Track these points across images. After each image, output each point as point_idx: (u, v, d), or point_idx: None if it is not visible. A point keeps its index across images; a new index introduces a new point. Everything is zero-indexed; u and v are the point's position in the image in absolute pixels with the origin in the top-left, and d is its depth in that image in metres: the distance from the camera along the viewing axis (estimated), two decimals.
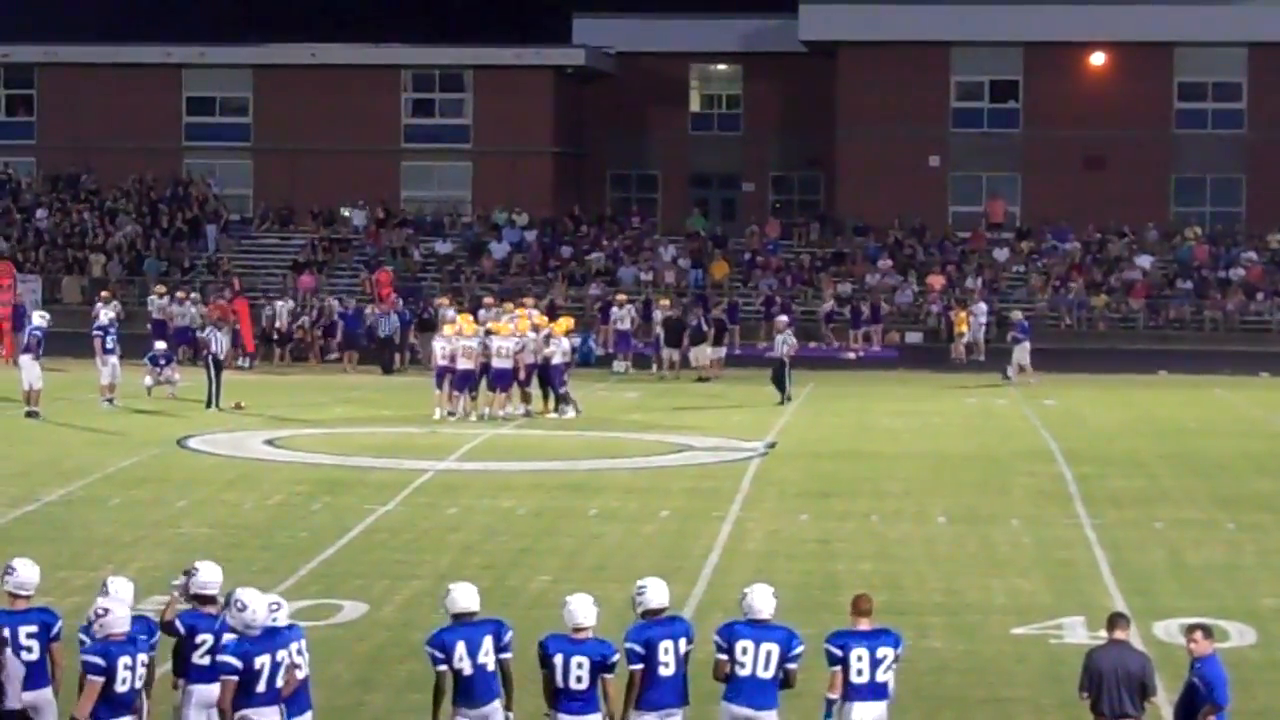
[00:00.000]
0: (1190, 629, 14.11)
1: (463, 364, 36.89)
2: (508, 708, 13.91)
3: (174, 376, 40.65)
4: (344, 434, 35.24)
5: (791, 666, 13.87)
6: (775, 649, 13.80)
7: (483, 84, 69.34)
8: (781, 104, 70.80)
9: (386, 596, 21.09)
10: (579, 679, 13.56)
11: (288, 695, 13.45)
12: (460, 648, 13.73)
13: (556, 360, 37.59)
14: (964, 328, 53.56)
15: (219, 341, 39.22)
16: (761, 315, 57.04)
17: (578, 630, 13.70)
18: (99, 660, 13.21)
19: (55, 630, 13.94)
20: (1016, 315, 49.36)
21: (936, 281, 60.98)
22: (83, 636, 13.84)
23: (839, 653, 13.86)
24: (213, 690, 13.80)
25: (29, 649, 13.80)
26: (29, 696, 13.79)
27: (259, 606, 13.46)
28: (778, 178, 72.43)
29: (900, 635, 14.18)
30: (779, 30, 68.97)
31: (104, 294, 45.65)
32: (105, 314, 40.52)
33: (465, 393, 37.13)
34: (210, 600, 14.20)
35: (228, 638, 13.53)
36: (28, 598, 14.10)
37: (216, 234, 65.93)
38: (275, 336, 50.31)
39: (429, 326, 47.31)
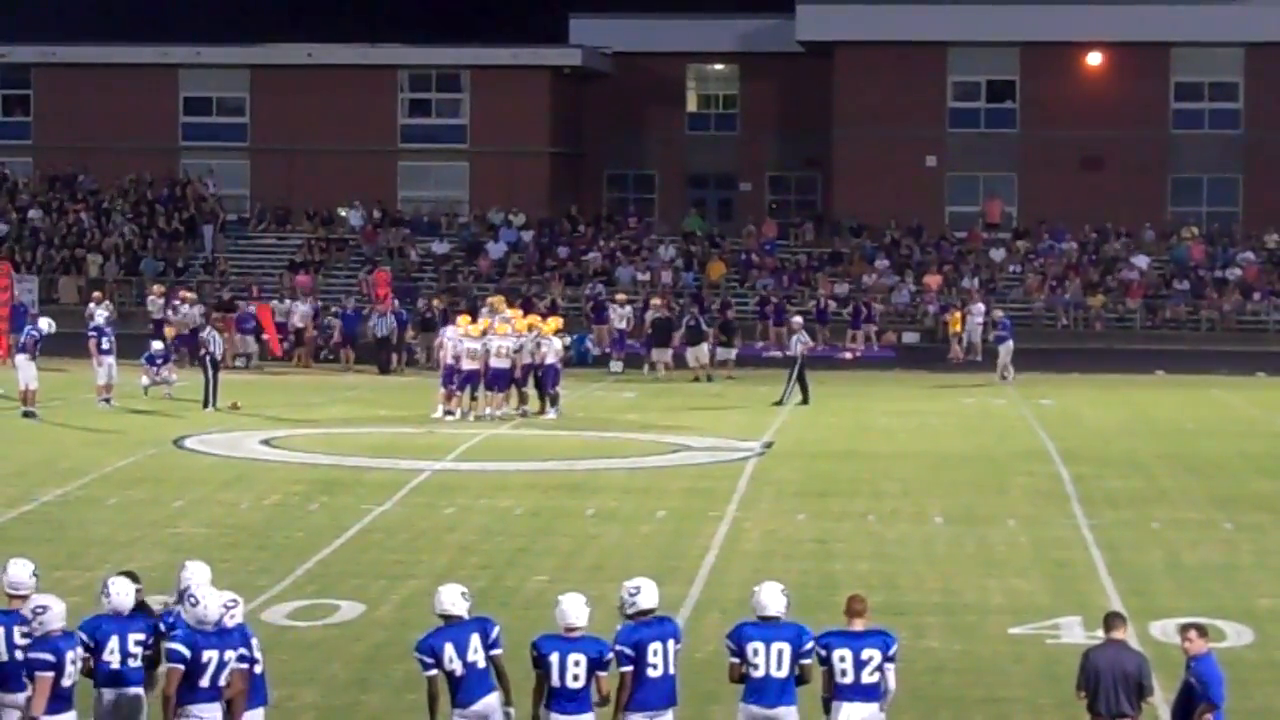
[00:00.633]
0: (1185, 628, 14.12)
1: (466, 364, 36.90)
2: (507, 704, 13.92)
3: (170, 377, 40.63)
4: (341, 434, 35.22)
5: (805, 662, 13.86)
6: (786, 647, 13.79)
7: (479, 84, 69.35)
8: (778, 104, 70.81)
9: (383, 596, 21.08)
10: (575, 677, 13.56)
11: (232, 696, 13.45)
12: (449, 649, 13.77)
13: (549, 360, 37.57)
14: (958, 327, 53.55)
15: (216, 342, 39.24)
16: (757, 315, 57.03)
17: (570, 630, 13.70)
18: (48, 657, 13.29)
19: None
20: (998, 314, 49.35)
21: (933, 282, 60.99)
22: (81, 635, 13.87)
23: (823, 652, 13.87)
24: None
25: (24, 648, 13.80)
26: (19, 698, 13.79)
27: (214, 603, 13.49)
28: (774, 178, 72.45)
29: (893, 637, 14.11)
30: (776, 30, 68.98)
31: (97, 294, 45.64)
32: (100, 314, 40.54)
33: (465, 393, 37.13)
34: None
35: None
36: (24, 597, 14.10)
37: (213, 234, 65.90)
38: (292, 338, 50.15)
39: (430, 327, 47.32)
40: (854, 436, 35.51)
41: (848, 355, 53.53)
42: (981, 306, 54.99)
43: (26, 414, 36.00)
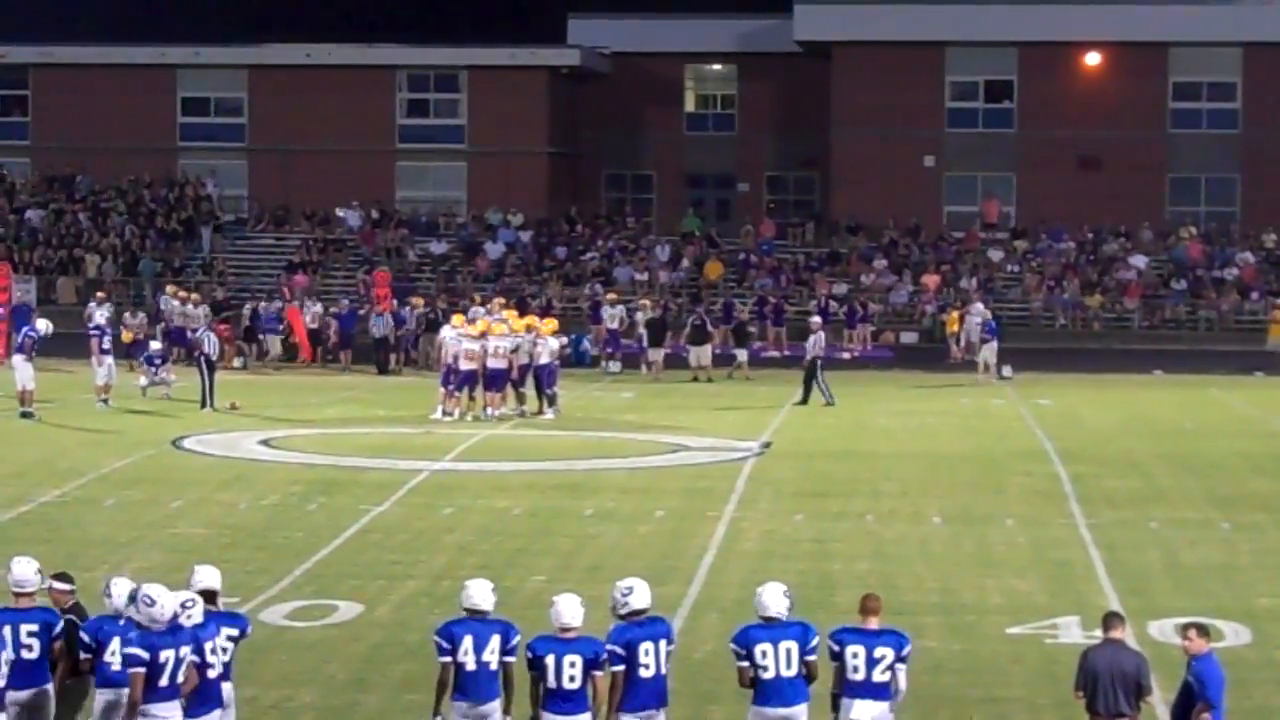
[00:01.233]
0: (1185, 627, 14.13)
1: (465, 365, 36.90)
2: (506, 711, 13.92)
3: (169, 377, 40.62)
4: (339, 434, 35.22)
5: (811, 659, 13.86)
6: (794, 646, 13.78)
7: (477, 84, 69.33)
8: (776, 104, 70.82)
9: (382, 597, 21.08)
10: (572, 678, 13.55)
11: (187, 692, 13.47)
12: (467, 641, 13.79)
13: (544, 360, 37.58)
14: (956, 327, 53.55)
15: (211, 342, 39.23)
16: (755, 315, 56.99)
17: (565, 630, 13.69)
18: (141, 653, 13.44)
19: (56, 629, 13.96)
20: (986, 315, 49.29)
21: (931, 281, 60.99)
22: (82, 635, 13.93)
23: (836, 648, 13.86)
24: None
25: (29, 647, 13.86)
26: (25, 695, 13.81)
27: (166, 602, 13.52)
28: (772, 178, 72.44)
29: (907, 638, 14.09)
30: (774, 30, 68.96)
31: (99, 295, 45.62)
32: (101, 314, 40.53)
33: (464, 393, 37.13)
34: (211, 595, 14.22)
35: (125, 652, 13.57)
36: (30, 595, 14.14)
37: (210, 235, 65.89)
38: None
39: (436, 327, 47.25)
40: (852, 436, 35.51)
41: (846, 355, 53.52)
42: (980, 306, 54.97)
43: (24, 415, 36.00)
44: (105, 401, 38.08)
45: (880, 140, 65.88)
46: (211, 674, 13.67)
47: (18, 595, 14.15)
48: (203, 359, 38.65)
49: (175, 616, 13.54)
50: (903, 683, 13.94)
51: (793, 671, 13.78)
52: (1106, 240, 64.16)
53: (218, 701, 13.79)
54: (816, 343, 41.40)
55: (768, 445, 33.84)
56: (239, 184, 70.34)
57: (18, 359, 36.72)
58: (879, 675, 13.80)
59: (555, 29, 71.95)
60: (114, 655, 13.73)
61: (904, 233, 64.85)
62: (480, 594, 14.03)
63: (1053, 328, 60.15)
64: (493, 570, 22.10)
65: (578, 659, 13.56)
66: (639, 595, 13.92)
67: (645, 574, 14.76)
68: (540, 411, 37.75)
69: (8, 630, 13.85)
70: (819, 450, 33.28)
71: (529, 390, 37.94)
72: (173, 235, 65.61)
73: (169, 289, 51.68)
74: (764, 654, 13.74)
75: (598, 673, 13.61)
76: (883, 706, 13.82)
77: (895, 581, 22.11)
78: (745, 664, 13.82)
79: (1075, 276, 61.79)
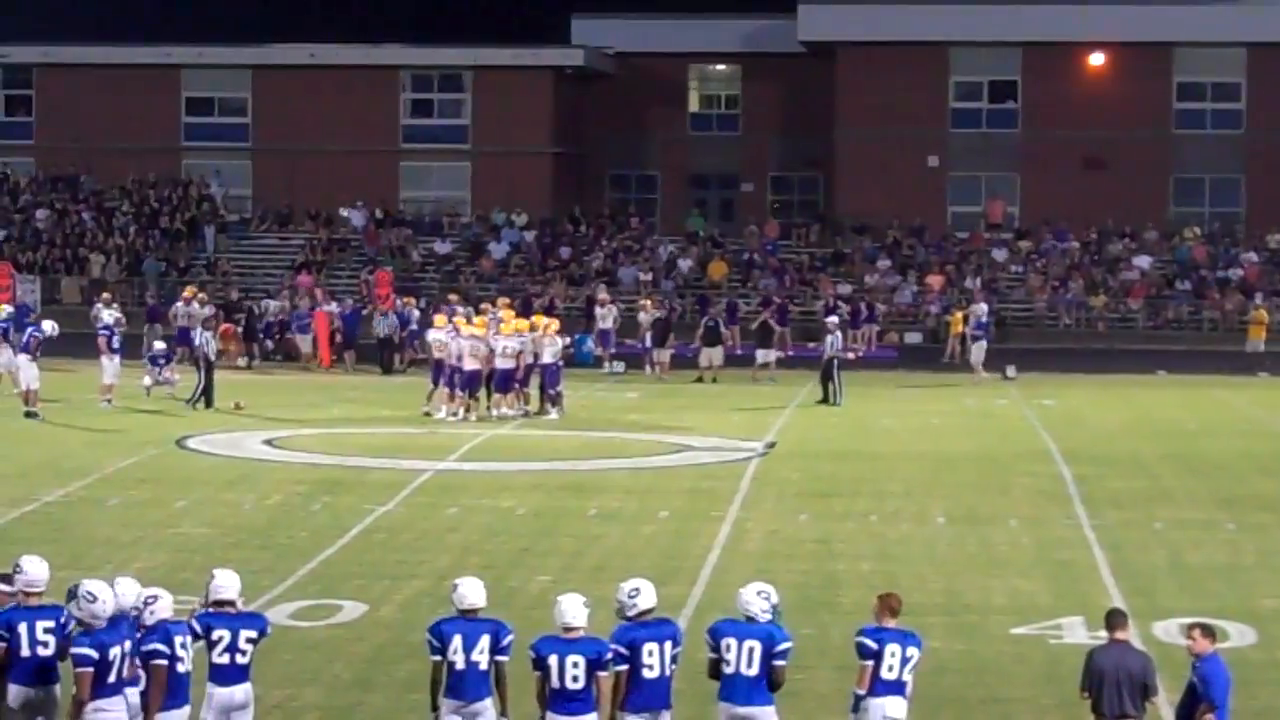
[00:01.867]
0: (1190, 628, 14.12)
1: (469, 364, 36.90)
2: (502, 712, 13.91)
3: (173, 377, 40.62)
4: (343, 434, 35.23)
5: (778, 664, 13.80)
6: (758, 646, 13.77)
7: (481, 84, 69.34)
8: (780, 104, 70.80)
9: (386, 596, 21.08)
10: (575, 679, 13.54)
11: (159, 690, 13.49)
12: (457, 640, 13.81)
13: (547, 360, 37.58)
14: (960, 328, 53.50)
15: (208, 342, 39.17)
16: (758, 315, 56.94)
17: (568, 630, 13.68)
18: (161, 646, 13.57)
19: (69, 628, 13.99)
20: (978, 313, 49.15)
21: (936, 282, 60.98)
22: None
23: (874, 646, 13.88)
24: (233, 692, 13.92)
25: (45, 644, 13.89)
26: (39, 692, 13.85)
27: (108, 598, 13.57)
28: (776, 178, 72.42)
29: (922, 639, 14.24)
30: (778, 31, 68.94)
31: (105, 295, 45.59)
32: (108, 314, 40.52)
33: (468, 393, 37.14)
34: (229, 604, 14.24)
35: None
36: (40, 594, 14.18)
37: (214, 235, 65.91)
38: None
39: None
40: (856, 437, 35.51)
41: (851, 355, 53.45)
42: (984, 306, 54.95)
43: (29, 414, 36.00)
44: (109, 401, 38.09)
45: (884, 140, 65.87)
46: (181, 668, 13.63)
47: (27, 595, 14.18)
48: (200, 359, 38.61)
49: (119, 612, 13.62)
50: (911, 685, 14.01)
51: (754, 671, 13.77)
52: (1111, 241, 64.15)
53: (185, 698, 13.75)
54: (833, 343, 41.40)
55: (772, 445, 33.83)
56: (243, 184, 70.37)
57: (23, 359, 36.71)
58: (907, 674, 13.93)
59: (559, 29, 71.97)
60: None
61: (908, 233, 64.85)
62: (471, 593, 14.02)
63: (1057, 328, 60.16)
64: (497, 570, 22.14)
65: (580, 659, 13.54)
66: (646, 596, 13.91)
67: (649, 574, 14.76)
68: (542, 411, 37.74)
69: (24, 628, 13.89)
70: (823, 450, 33.28)
71: (532, 390, 37.94)
72: (177, 235, 65.66)
73: (188, 290, 51.66)
74: (728, 648, 13.82)
75: (602, 673, 13.60)
76: (905, 704, 13.93)
77: (899, 582, 22.07)
78: (713, 655, 13.93)
79: (1079, 277, 61.78)
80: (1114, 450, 33.49)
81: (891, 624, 14.02)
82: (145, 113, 69.21)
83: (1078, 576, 22.51)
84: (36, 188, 68.59)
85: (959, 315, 54.17)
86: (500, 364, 36.99)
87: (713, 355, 46.47)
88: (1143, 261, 62.57)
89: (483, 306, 44.04)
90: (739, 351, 51.15)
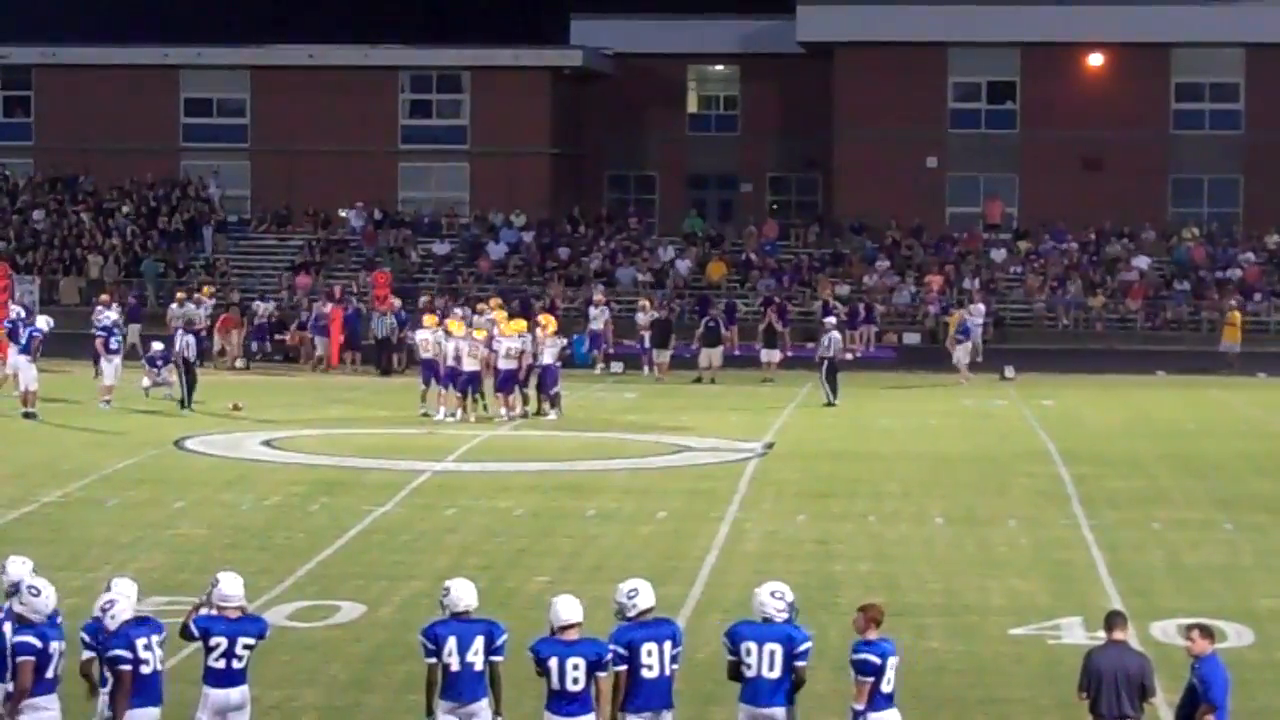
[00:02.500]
0: (1189, 628, 14.11)
1: (468, 364, 36.90)
2: (497, 712, 13.90)
3: (171, 378, 40.55)
4: (341, 435, 35.22)
5: (800, 664, 13.81)
6: (779, 648, 13.76)
7: (480, 85, 69.33)
8: (779, 105, 70.80)
9: (384, 597, 21.08)
10: (575, 680, 13.54)
11: (124, 691, 13.53)
12: (451, 642, 13.81)
13: (546, 360, 37.58)
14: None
15: (188, 343, 39.04)
16: (759, 316, 56.95)
17: (564, 630, 13.67)
18: (124, 653, 13.61)
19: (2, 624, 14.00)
20: (962, 315, 49.16)
21: (935, 282, 60.96)
22: (84, 635, 14.01)
23: (879, 661, 13.67)
24: (229, 694, 13.93)
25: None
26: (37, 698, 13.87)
27: (51, 595, 13.70)
28: (775, 178, 72.43)
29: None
30: (776, 31, 68.95)
31: (104, 296, 45.54)
32: (108, 315, 40.48)
33: (468, 394, 37.14)
34: (232, 609, 14.25)
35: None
36: None
37: (212, 235, 65.90)
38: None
39: None
40: (854, 437, 35.51)
41: (849, 356, 53.46)
42: (982, 307, 55.02)
43: (27, 415, 35.99)
44: (108, 402, 38.08)
45: (883, 141, 65.87)
46: (145, 670, 13.62)
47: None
48: (181, 360, 38.50)
49: (55, 611, 13.77)
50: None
51: (776, 674, 13.74)
52: (1109, 241, 64.15)
53: (154, 698, 13.73)
54: (831, 343, 41.40)
55: (770, 446, 33.83)
56: (242, 184, 70.37)
57: (23, 359, 36.67)
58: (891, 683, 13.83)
59: (558, 30, 71.97)
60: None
61: (906, 233, 64.85)
62: (463, 596, 14.01)
63: (1055, 329, 60.16)
64: (495, 571, 22.15)
65: (581, 661, 13.55)
66: (644, 596, 13.90)
67: (647, 575, 14.75)
68: (540, 412, 37.75)
69: (9, 628, 13.90)
70: (821, 451, 33.28)
71: (530, 390, 37.95)
72: (175, 236, 65.64)
73: (205, 289, 51.57)
74: (748, 651, 13.76)
75: (601, 674, 13.61)
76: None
77: (898, 582, 22.12)
78: (733, 658, 13.87)
79: (1078, 277, 61.79)
80: (1112, 450, 33.50)
81: (875, 635, 13.84)
82: (144, 113, 69.19)
83: (1076, 577, 22.51)
84: (35, 188, 68.55)
85: (957, 315, 54.17)
86: (502, 365, 36.99)
87: (712, 356, 46.45)
88: (1141, 262, 62.57)
89: (479, 307, 44.14)
90: (737, 352, 51.18)
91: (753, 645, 13.77)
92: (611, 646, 13.67)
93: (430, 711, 13.88)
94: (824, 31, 66.63)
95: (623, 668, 13.65)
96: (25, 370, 36.39)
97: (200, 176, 68.79)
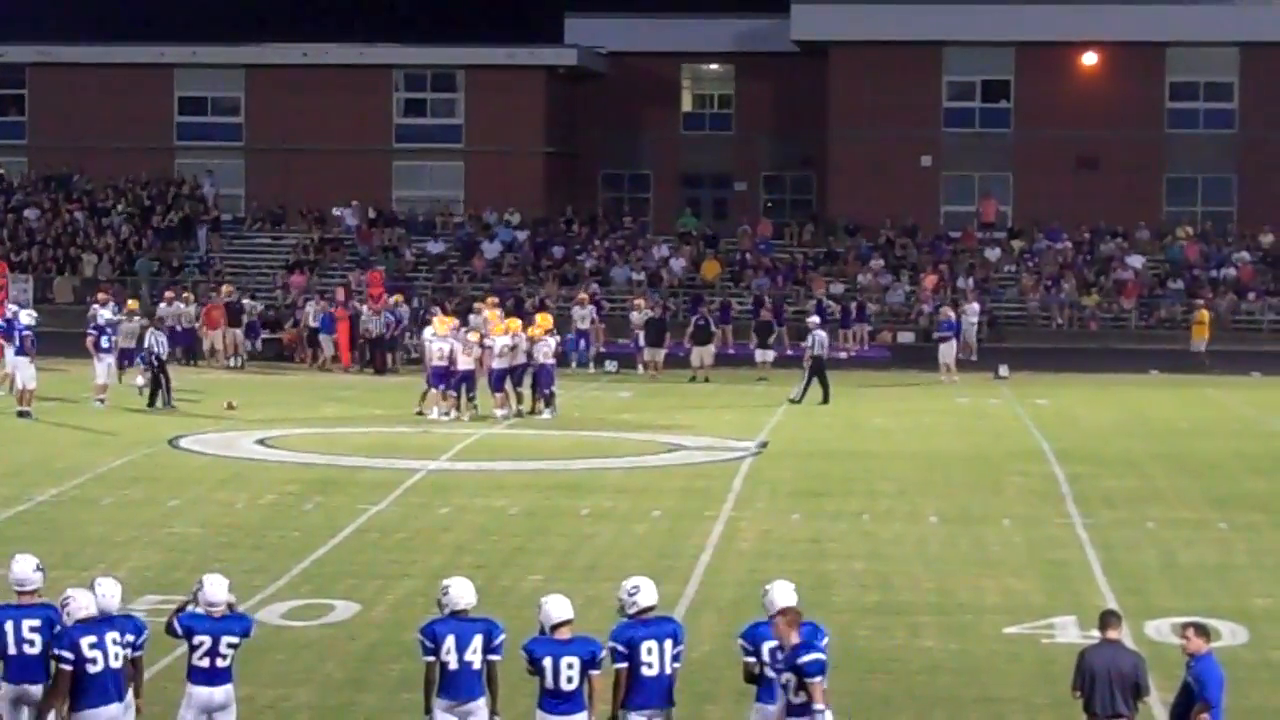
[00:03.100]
0: (1184, 627, 14.13)
1: (463, 363, 36.91)
2: (494, 711, 13.90)
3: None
4: (336, 433, 35.21)
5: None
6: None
7: (474, 84, 69.31)
8: (773, 104, 70.80)
9: (378, 596, 21.08)
10: (569, 679, 13.54)
11: (62, 690, 13.57)
12: (449, 641, 13.80)
13: (541, 359, 37.58)
14: None
15: (160, 341, 38.97)
16: (752, 315, 56.96)
17: (556, 629, 13.68)
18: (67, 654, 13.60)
19: (57, 627, 13.99)
20: (946, 313, 49.12)
21: (929, 281, 60.98)
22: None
23: (823, 656, 13.49)
24: (212, 693, 13.90)
25: (31, 643, 13.93)
26: (29, 689, 13.88)
27: (88, 601, 13.73)
28: (770, 177, 72.42)
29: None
30: (771, 30, 68.96)
31: (101, 295, 45.49)
32: (103, 314, 40.45)
33: (462, 392, 37.15)
34: (217, 608, 14.26)
35: None
36: (32, 592, 14.21)
37: (207, 234, 65.87)
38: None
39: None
40: (849, 436, 35.52)
41: (843, 355, 53.50)
42: (976, 306, 55.03)
43: (21, 414, 35.97)
44: (102, 401, 38.06)
45: (877, 140, 65.88)
46: (92, 670, 13.57)
47: (19, 594, 14.20)
48: (152, 358, 38.41)
49: (104, 613, 13.78)
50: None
51: None
52: (1103, 240, 64.18)
53: (108, 696, 13.66)
54: (817, 341, 41.42)
55: (764, 445, 33.84)
56: (236, 183, 70.32)
57: (20, 360, 36.59)
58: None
59: (552, 29, 71.92)
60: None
61: (901, 232, 64.87)
62: (462, 594, 14.01)
63: (1049, 327, 60.18)
64: (489, 570, 22.14)
65: (575, 660, 13.56)
66: (645, 594, 13.88)
67: (642, 573, 14.73)
68: (534, 411, 37.75)
69: (9, 626, 13.92)
70: (816, 450, 33.29)
71: (525, 389, 37.96)
72: (169, 234, 65.60)
73: (225, 288, 51.42)
74: (771, 651, 13.70)
75: (594, 672, 13.60)
76: None
77: (892, 581, 22.13)
78: (751, 659, 13.79)
79: (1072, 276, 61.82)
80: (1106, 450, 33.51)
81: (797, 637, 13.47)
82: (138, 112, 69.15)
83: (1070, 576, 22.52)
84: (29, 187, 68.50)
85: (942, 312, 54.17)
86: (495, 364, 37.01)
87: (703, 354, 46.47)
88: (1135, 261, 62.59)
89: (476, 306, 44.14)
90: (731, 351, 51.19)
91: (772, 644, 13.70)
92: (611, 643, 13.67)
93: (429, 710, 13.87)
94: (818, 30, 66.62)
95: (623, 665, 13.64)
96: (24, 369, 36.35)
97: (195, 175, 68.73)
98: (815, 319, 44.28)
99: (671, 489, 28.75)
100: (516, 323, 38.88)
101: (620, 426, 36.90)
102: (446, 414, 36.89)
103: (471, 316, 42.64)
